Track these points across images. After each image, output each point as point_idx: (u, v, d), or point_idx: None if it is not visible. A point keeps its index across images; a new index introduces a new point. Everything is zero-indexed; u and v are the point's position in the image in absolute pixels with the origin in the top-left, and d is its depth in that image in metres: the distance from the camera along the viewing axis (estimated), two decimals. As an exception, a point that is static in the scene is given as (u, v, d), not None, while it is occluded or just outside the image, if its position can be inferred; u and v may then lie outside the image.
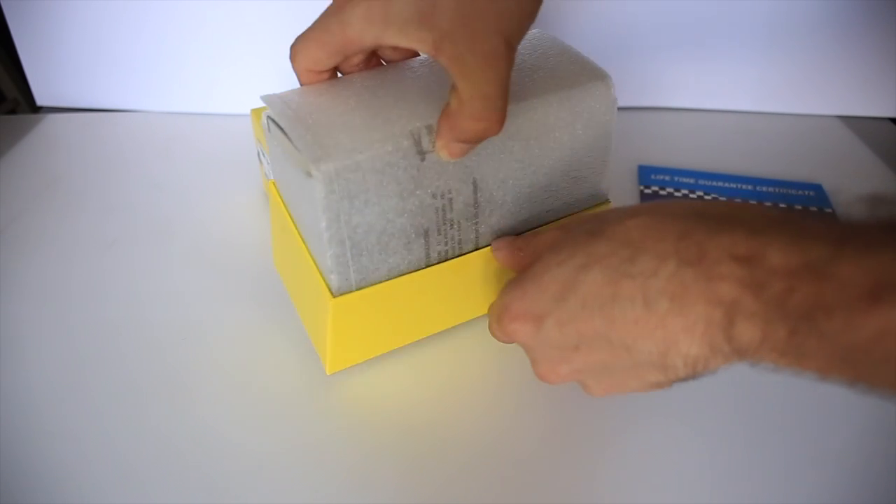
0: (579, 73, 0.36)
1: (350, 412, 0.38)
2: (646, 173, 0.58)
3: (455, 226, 0.34)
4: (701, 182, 0.57)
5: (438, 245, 0.34)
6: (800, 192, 0.55)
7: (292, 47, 0.33)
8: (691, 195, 0.55)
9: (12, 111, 0.73)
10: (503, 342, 0.33)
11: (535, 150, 0.35)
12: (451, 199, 0.33)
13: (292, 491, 0.34)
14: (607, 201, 0.40)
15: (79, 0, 0.63)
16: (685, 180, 0.57)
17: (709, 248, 0.24)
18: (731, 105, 0.67)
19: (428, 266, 0.34)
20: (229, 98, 0.67)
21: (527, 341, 0.30)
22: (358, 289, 0.33)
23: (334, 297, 0.33)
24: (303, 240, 0.36)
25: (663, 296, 0.25)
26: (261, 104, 0.53)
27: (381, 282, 0.33)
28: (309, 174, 0.30)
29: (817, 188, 0.56)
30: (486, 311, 0.41)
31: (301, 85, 0.34)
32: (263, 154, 0.51)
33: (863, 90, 0.66)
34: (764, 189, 0.56)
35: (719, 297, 0.23)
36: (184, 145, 0.63)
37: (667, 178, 0.57)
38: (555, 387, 0.39)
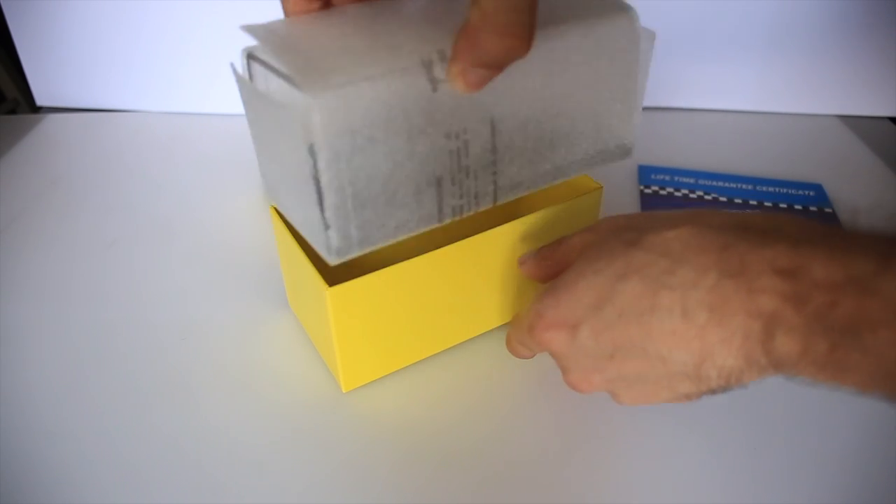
0: (602, 4, 0.32)
1: (351, 411, 0.38)
2: (646, 173, 0.58)
3: (471, 175, 0.30)
4: (701, 182, 0.57)
5: (452, 198, 0.29)
6: (800, 192, 0.55)
7: None
8: (691, 195, 0.55)
9: (12, 111, 0.73)
10: (526, 355, 0.32)
11: (557, 88, 0.31)
12: (466, 142, 0.28)
13: (293, 491, 0.34)
14: (629, 151, 0.36)
15: (79, 0, 0.63)
16: (685, 180, 0.57)
17: (750, 261, 0.24)
18: (731, 105, 0.67)
19: (441, 223, 0.30)
20: (229, 98, 0.67)
21: (560, 350, 0.29)
22: (360, 249, 0.28)
23: (334, 259, 0.29)
24: (301, 246, 0.33)
25: (702, 307, 0.24)
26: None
27: (386, 241, 0.29)
28: (302, 106, 0.25)
29: (817, 188, 0.56)
30: (495, 323, 0.41)
31: (286, 11, 0.30)
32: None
33: (862, 90, 0.66)
34: (764, 189, 0.56)
35: (759, 310, 0.23)
36: (184, 145, 0.63)
37: (667, 177, 0.57)
38: (570, 399, 0.39)
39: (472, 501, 0.33)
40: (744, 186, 0.56)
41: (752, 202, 0.54)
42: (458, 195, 0.30)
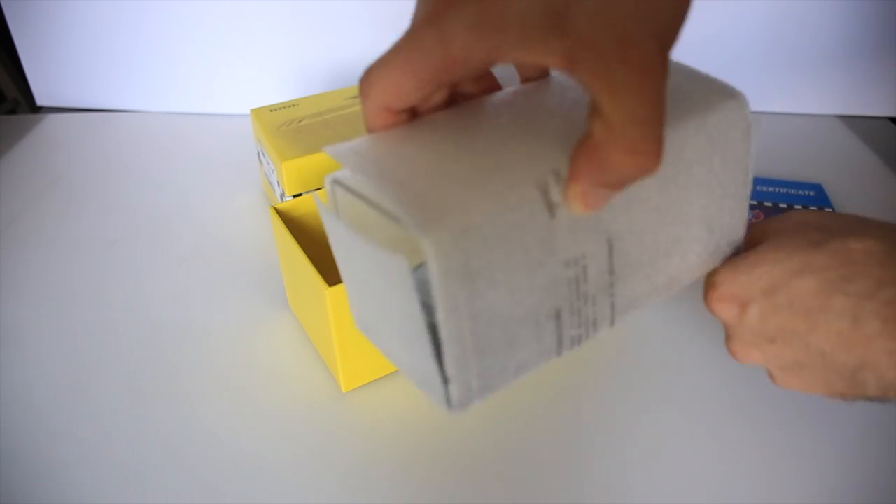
0: (707, 91, 0.29)
1: (351, 411, 0.38)
2: (646, 173, 0.58)
3: (590, 301, 0.27)
4: (701, 182, 0.57)
5: (571, 329, 0.26)
6: (800, 192, 0.55)
7: (368, 76, 0.25)
8: (691, 195, 0.55)
9: (12, 111, 0.73)
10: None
11: (673, 193, 0.28)
12: (585, 268, 0.26)
13: (293, 492, 0.34)
14: (740, 248, 0.32)
15: (79, 0, 0.63)
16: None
17: None
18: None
19: (559, 356, 0.27)
20: (229, 98, 0.67)
21: (727, 321, 0.31)
22: (480, 398, 0.25)
23: (455, 412, 0.25)
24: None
25: (875, 317, 0.26)
26: (260, 103, 0.53)
27: (506, 385, 0.26)
28: (413, 251, 0.23)
29: (817, 188, 0.56)
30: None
31: (371, 127, 0.26)
32: (264, 153, 0.51)
33: (862, 90, 0.66)
34: (764, 189, 0.56)
35: None
36: (184, 145, 0.63)
37: (667, 177, 0.57)
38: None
39: (472, 501, 0.33)
40: (744, 186, 0.56)
41: (752, 202, 0.54)
42: (577, 324, 0.27)
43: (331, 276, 0.35)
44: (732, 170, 0.30)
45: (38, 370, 0.40)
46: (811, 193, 0.55)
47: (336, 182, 0.26)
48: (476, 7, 0.21)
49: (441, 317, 0.22)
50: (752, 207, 0.53)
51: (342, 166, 0.24)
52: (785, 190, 0.56)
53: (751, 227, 0.32)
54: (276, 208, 0.40)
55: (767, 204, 0.54)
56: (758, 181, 0.57)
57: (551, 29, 0.21)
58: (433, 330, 0.23)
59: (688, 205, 0.29)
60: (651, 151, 0.21)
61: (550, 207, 0.23)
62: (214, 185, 0.57)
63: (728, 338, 0.32)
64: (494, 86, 0.28)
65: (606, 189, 0.23)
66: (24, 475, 0.35)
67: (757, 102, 0.67)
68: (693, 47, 0.64)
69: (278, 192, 0.49)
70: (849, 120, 0.66)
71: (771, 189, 0.56)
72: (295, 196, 0.45)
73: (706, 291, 0.31)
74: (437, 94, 0.26)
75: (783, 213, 0.32)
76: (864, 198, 0.55)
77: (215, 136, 0.65)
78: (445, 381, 0.24)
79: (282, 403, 0.38)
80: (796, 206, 0.53)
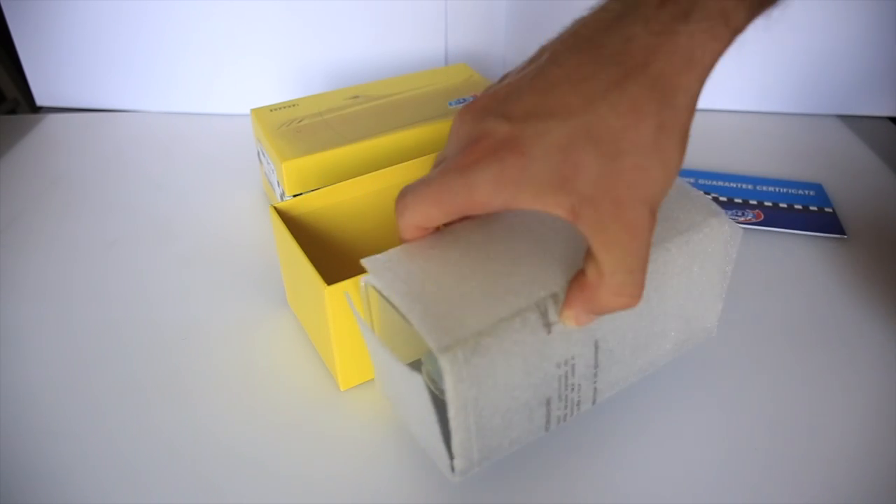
0: (691, 210, 0.33)
1: (355, 412, 0.38)
2: (646, 173, 0.58)
3: (576, 389, 0.32)
4: (701, 182, 0.57)
5: (558, 411, 0.32)
6: (800, 192, 0.55)
7: (403, 200, 0.29)
8: (691, 195, 0.55)
9: (12, 111, 0.73)
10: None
11: (654, 301, 0.32)
12: (573, 366, 0.30)
13: (293, 492, 0.34)
14: (712, 332, 0.38)
15: (79, 0, 0.63)
16: (685, 180, 0.57)
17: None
18: (731, 105, 0.67)
19: (547, 432, 0.32)
20: (229, 98, 0.67)
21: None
22: (479, 467, 0.31)
23: (456, 479, 0.31)
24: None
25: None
26: (260, 103, 0.53)
27: (501, 455, 0.31)
28: (432, 365, 0.28)
29: (817, 188, 0.56)
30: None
31: (403, 238, 0.31)
32: (264, 154, 0.51)
33: (862, 89, 0.66)
34: (764, 189, 0.56)
35: None
36: (184, 145, 0.63)
37: (667, 177, 0.57)
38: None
39: (471, 500, 0.33)
40: (744, 186, 0.56)
41: (752, 202, 0.54)
42: (564, 407, 0.32)
43: (329, 275, 0.35)
44: (710, 274, 0.34)
45: (37, 370, 0.40)
46: (811, 193, 0.55)
47: (369, 284, 0.31)
48: (500, 166, 0.25)
49: (451, 413, 0.27)
50: (752, 207, 0.53)
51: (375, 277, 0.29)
52: (785, 190, 0.56)
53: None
54: (275, 207, 0.40)
55: (767, 204, 0.54)
56: (758, 181, 0.57)
57: (559, 188, 0.25)
58: (443, 406, 0.28)
59: (667, 307, 0.33)
60: (634, 294, 0.26)
61: (547, 325, 0.28)
62: (214, 185, 0.57)
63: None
64: None
65: (594, 314, 0.28)
66: (25, 475, 0.35)
67: (757, 102, 0.67)
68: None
69: (278, 192, 0.49)
70: (849, 120, 0.66)
71: (771, 189, 0.56)
72: (295, 196, 0.45)
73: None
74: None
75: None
76: (865, 198, 0.55)
77: (215, 136, 0.65)
78: (451, 457, 0.29)
79: (282, 402, 0.38)
80: (796, 207, 0.53)
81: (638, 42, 0.25)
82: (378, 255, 0.30)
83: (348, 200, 0.43)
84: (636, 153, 0.25)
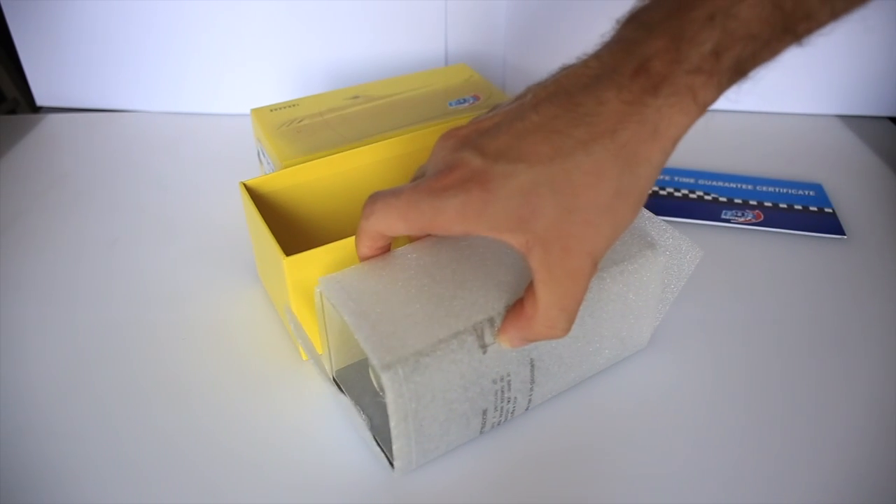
0: (629, 242, 0.36)
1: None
2: (646, 173, 0.58)
3: (511, 401, 0.34)
4: (701, 182, 0.57)
5: (493, 418, 0.34)
6: (800, 192, 0.55)
7: (372, 206, 0.30)
8: (691, 195, 0.55)
9: (12, 111, 0.73)
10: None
11: (589, 324, 0.35)
12: (509, 381, 0.33)
13: (293, 492, 0.34)
14: (643, 346, 0.41)
15: (79, 0, 0.63)
16: (685, 180, 0.57)
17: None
18: (731, 105, 0.67)
19: (481, 434, 0.35)
20: (230, 98, 0.67)
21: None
22: (417, 466, 0.34)
23: (396, 474, 0.34)
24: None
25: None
26: (261, 103, 0.53)
27: (437, 456, 0.34)
28: (377, 377, 0.30)
29: (817, 188, 0.56)
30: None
31: (359, 239, 0.32)
32: (264, 154, 0.51)
33: (862, 89, 0.66)
34: (764, 189, 0.56)
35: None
36: (185, 145, 0.63)
37: (666, 177, 0.57)
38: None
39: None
40: (744, 186, 0.56)
41: (752, 202, 0.54)
42: (499, 416, 0.35)
43: (294, 249, 0.36)
44: (646, 300, 0.37)
45: (39, 369, 0.40)
46: (811, 193, 0.55)
47: (323, 294, 0.33)
48: (466, 196, 0.27)
49: (392, 424, 0.30)
50: (752, 208, 0.53)
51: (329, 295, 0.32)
52: (785, 190, 0.56)
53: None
54: (244, 184, 0.41)
55: (767, 204, 0.54)
56: (758, 181, 0.57)
57: (516, 227, 0.27)
58: (390, 434, 0.31)
59: (602, 329, 0.36)
60: (564, 328, 0.29)
61: (483, 346, 0.31)
62: (216, 184, 0.57)
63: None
64: None
65: (528, 342, 0.31)
66: (25, 475, 0.35)
67: (757, 102, 0.67)
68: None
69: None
70: (849, 120, 0.66)
71: (771, 189, 0.56)
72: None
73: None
74: None
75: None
76: (864, 198, 0.55)
77: (217, 135, 0.65)
78: (392, 460, 0.33)
79: (282, 401, 0.38)
80: (796, 207, 0.53)
81: (609, 107, 0.26)
82: (334, 274, 0.33)
83: (319, 179, 0.44)
84: (590, 211, 0.27)
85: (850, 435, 0.36)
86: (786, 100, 0.67)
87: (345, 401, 0.34)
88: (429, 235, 0.34)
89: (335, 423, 0.37)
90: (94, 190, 0.57)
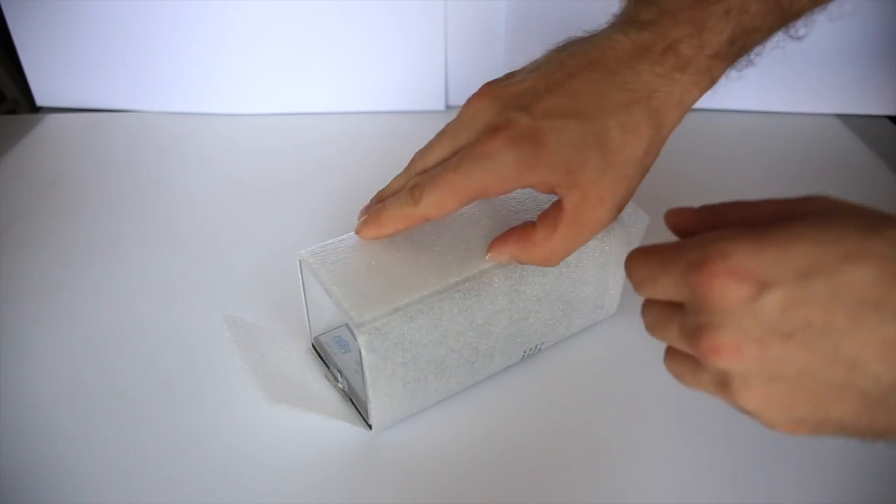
0: None
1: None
2: (645, 173, 0.58)
3: (487, 357, 0.37)
4: (700, 181, 0.57)
5: (467, 377, 0.37)
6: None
7: (418, 191, 0.32)
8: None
9: (12, 111, 0.73)
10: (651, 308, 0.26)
11: (567, 285, 0.38)
12: (484, 340, 0.36)
13: (293, 492, 0.34)
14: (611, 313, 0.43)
15: (79, 0, 0.63)
16: (685, 179, 0.57)
17: None
18: (730, 105, 0.67)
19: (457, 391, 0.38)
20: (229, 98, 0.67)
21: (728, 305, 0.22)
22: (391, 425, 0.36)
23: (373, 431, 0.36)
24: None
25: None
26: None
27: (413, 413, 0.37)
28: (353, 336, 0.32)
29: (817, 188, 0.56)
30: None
31: (396, 225, 0.34)
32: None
33: (861, 89, 0.66)
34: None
35: None
36: (184, 145, 0.63)
37: (666, 177, 0.57)
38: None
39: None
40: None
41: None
42: (473, 374, 0.37)
43: None
44: (620, 270, 0.39)
45: (37, 370, 0.40)
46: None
47: (302, 261, 0.35)
48: (518, 152, 0.30)
49: (367, 381, 0.32)
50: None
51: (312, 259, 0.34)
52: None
53: (761, 205, 0.27)
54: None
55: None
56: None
57: (564, 177, 0.30)
58: (367, 393, 0.33)
59: (579, 291, 0.39)
60: (558, 262, 0.33)
61: (457, 307, 0.33)
62: (215, 184, 0.57)
63: (713, 326, 0.23)
64: None
65: (517, 260, 0.33)
66: (25, 475, 0.35)
67: (757, 102, 0.67)
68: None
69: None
70: (848, 119, 0.66)
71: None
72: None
73: (703, 261, 0.23)
74: None
75: (796, 198, 0.27)
76: (864, 197, 0.55)
77: (215, 136, 0.65)
78: (368, 419, 0.35)
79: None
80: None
81: (644, 78, 0.31)
82: (314, 246, 0.35)
83: None
84: (628, 165, 0.31)
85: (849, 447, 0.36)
86: (785, 100, 0.67)
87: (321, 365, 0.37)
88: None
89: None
90: (93, 190, 0.57)
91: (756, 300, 0.22)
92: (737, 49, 0.32)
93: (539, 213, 0.33)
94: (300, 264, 0.36)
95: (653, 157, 0.32)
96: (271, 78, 0.67)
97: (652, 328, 0.26)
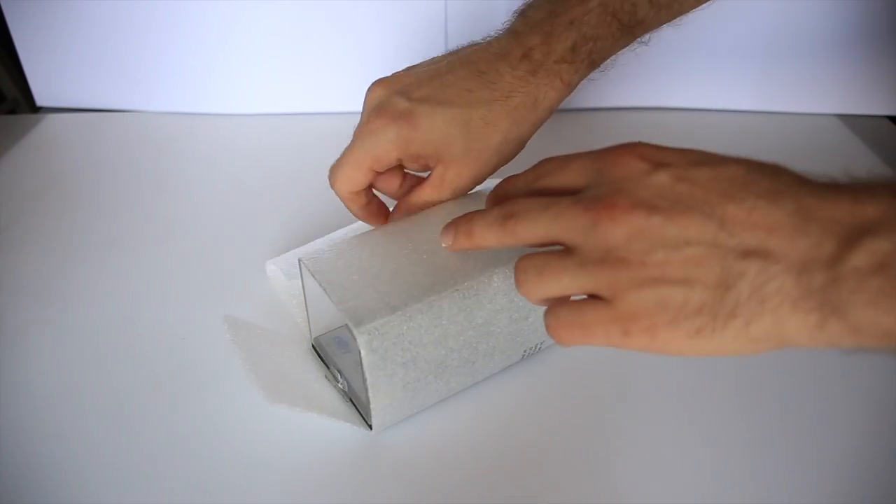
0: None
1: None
2: (645, 173, 0.58)
3: (485, 357, 0.37)
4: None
5: (466, 377, 0.37)
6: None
7: (331, 176, 0.38)
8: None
9: (12, 111, 0.73)
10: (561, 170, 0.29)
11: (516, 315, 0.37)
12: (482, 340, 0.36)
13: (293, 493, 0.34)
14: None
15: (79, 0, 0.63)
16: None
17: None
18: (731, 105, 0.67)
19: (444, 398, 0.38)
20: (229, 98, 0.67)
21: (629, 175, 0.27)
22: (391, 425, 0.37)
23: (373, 431, 0.36)
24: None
25: (794, 201, 0.26)
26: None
27: (413, 414, 0.37)
28: (353, 337, 0.32)
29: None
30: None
31: (351, 209, 0.39)
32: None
33: (861, 89, 0.66)
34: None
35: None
36: (184, 145, 0.63)
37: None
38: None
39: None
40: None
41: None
42: (472, 374, 0.37)
43: None
44: None
45: (37, 370, 0.40)
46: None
47: (303, 264, 0.36)
48: (397, 130, 0.36)
49: (367, 381, 0.33)
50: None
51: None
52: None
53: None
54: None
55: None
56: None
57: (433, 154, 0.37)
58: (368, 395, 0.34)
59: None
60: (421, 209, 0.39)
61: (456, 307, 0.34)
62: (214, 185, 0.57)
63: (610, 191, 0.26)
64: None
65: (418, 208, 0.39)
66: (24, 475, 0.35)
67: (756, 102, 0.67)
68: (693, 47, 0.64)
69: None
70: (847, 119, 0.66)
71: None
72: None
73: (617, 147, 0.28)
74: (389, 181, 0.39)
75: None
76: (864, 197, 0.55)
77: (215, 136, 0.65)
78: (370, 421, 0.36)
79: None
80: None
81: (505, 78, 0.36)
82: (314, 251, 0.36)
83: None
84: (484, 151, 0.37)
85: (850, 435, 0.36)
86: (784, 99, 0.67)
87: (322, 367, 0.38)
88: (397, 216, 0.40)
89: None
90: (93, 190, 0.57)
91: (651, 174, 0.27)
92: (582, 55, 0.37)
93: None
94: (300, 265, 0.36)
95: (512, 147, 0.38)
96: (271, 78, 0.67)
97: (540, 271, 0.27)
